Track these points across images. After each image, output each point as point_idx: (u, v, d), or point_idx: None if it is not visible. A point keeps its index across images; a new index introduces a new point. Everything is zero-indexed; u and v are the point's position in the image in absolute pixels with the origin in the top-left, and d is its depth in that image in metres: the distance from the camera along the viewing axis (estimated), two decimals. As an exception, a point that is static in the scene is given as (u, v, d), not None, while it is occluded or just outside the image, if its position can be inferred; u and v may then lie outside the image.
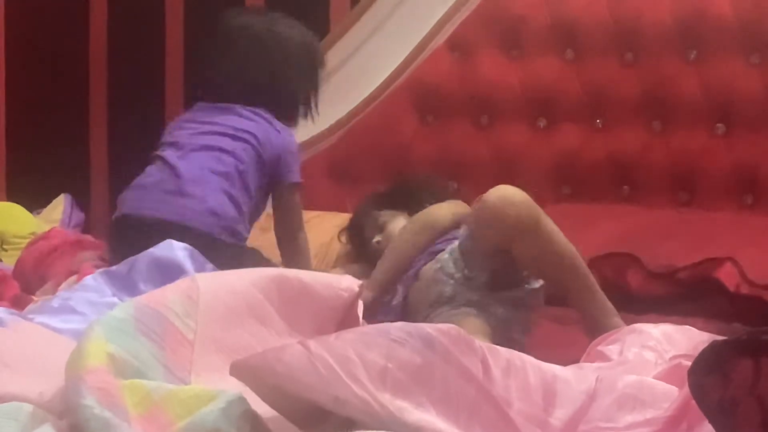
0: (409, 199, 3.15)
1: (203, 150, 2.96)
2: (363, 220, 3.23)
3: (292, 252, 3.07)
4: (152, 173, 2.97)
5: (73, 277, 2.81)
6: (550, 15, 3.65)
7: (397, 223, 3.11)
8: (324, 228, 3.54)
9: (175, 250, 2.58)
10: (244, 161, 2.96)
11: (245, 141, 2.98)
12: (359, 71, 3.94)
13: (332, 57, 3.95)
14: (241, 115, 3.03)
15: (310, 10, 4.10)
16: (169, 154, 2.98)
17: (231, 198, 2.92)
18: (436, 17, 3.83)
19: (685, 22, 3.48)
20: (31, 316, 2.42)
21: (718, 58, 3.45)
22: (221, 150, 2.96)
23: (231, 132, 2.99)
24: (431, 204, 3.01)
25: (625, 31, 3.55)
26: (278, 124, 3.05)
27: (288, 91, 3.11)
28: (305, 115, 3.18)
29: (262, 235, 3.43)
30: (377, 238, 3.12)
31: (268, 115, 3.04)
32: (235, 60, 3.08)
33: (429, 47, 3.82)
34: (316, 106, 3.19)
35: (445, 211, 2.90)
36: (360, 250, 3.25)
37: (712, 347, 1.63)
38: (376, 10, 3.91)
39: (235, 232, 2.90)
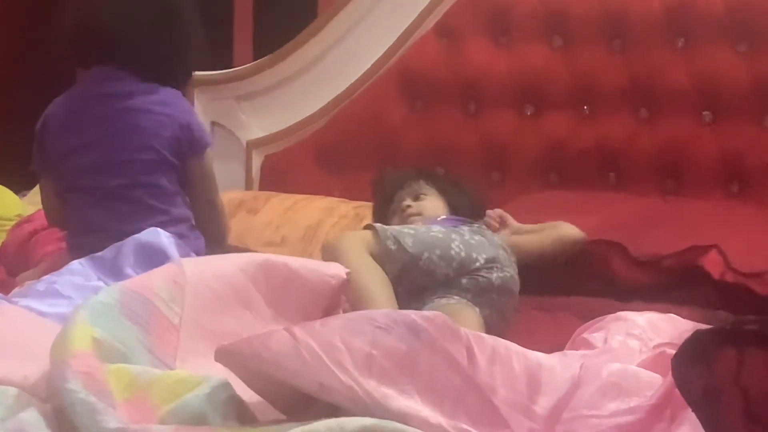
0: (454, 194, 3.15)
1: (117, 198, 2.82)
2: (406, 179, 3.20)
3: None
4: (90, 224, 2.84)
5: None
6: (538, 2, 3.65)
7: (434, 203, 3.11)
8: (310, 211, 3.54)
9: (161, 236, 2.58)
10: (149, 170, 2.82)
11: (144, 149, 2.82)
12: (347, 56, 3.94)
13: (320, 42, 3.95)
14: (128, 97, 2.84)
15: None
16: (85, 203, 2.84)
17: (161, 216, 2.81)
18: (423, 3, 3.82)
19: (673, 10, 3.48)
20: (16, 299, 2.41)
21: (705, 47, 3.45)
22: (125, 187, 2.82)
23: (127, 146, 2.82)
24: (467, 207, 3.08)
25: (613, 19, 3.55)
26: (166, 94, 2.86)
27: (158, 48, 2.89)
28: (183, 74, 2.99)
29: (249, 217, 3.44)
30: (408, 202, 3.12)
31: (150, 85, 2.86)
32: (93, 14, 2.89)
33: (417, 33, 3.82)
34: (191, 61, 2.99)
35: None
36: (381, 203, 3.23)
37: (696, 336, 1.63)
38: (365, -6, 3.91)
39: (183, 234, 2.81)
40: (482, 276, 2.79)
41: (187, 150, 2.84)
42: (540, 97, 3.64)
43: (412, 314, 1.90)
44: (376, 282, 2.63)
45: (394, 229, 2.79)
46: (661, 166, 3.48)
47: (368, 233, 2.75)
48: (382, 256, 2.69)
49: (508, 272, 2.85)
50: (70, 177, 2.85)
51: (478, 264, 2.80)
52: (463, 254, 2.79)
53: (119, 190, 2.78)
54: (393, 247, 2.73)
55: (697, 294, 2.91)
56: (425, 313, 1.92)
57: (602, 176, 3.56)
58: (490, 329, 2.66)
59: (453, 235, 2.83)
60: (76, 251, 2.74)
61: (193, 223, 2.87)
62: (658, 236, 3.06)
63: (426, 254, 2.76)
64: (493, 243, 2.88)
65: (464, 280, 2.78)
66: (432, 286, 2.77)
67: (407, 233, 2.78)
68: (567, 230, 3.04)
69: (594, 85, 3.56)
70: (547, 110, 3.64)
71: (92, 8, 2.87)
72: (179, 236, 2.68)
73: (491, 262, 2.82)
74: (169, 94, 2.85)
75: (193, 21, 2.92)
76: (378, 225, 2.79)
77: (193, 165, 2.86)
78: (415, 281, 2.75)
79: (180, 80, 2.94)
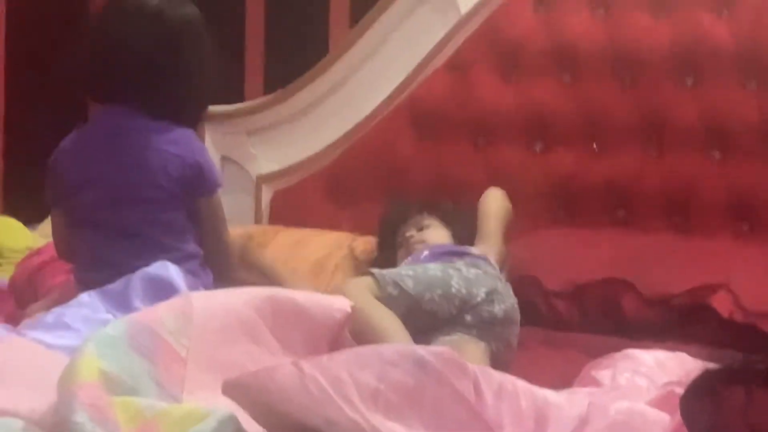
0: (458, 223, 3.17)
1: (127, 234, 2.81)
2: (409, 212, 3.24)
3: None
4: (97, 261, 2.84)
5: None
6: (548, 38, 3.66)
7: (437, 233, 3.14)
8: (319, 245, 3.54)
9: (170, 269, 2.59)
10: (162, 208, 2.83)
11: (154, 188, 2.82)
12: (358, 91, 3.95)
13: (331, 77, 3.96)
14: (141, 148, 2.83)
15: (309, 29, 4.12)
16: (96, 239, 2.84)
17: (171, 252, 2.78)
18: (435, 39, 3.83)
19: (682, 48, 3.48)
20: (24, 331, 2.42)
21: (715, 85, 3.45)
22: (136, 222, 2.82)
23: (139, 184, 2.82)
24: (471, 236, 3.13)
25: (623, 56, 3.55)
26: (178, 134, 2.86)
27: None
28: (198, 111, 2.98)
29: (259, 251, 3.44)
30: (411, 233, 3.13)
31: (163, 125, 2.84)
32: (105, 50, 2.87)
33: (427, 69, 3.83)
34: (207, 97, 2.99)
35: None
36: (385, 237, 3.25)
37: (705, 375, 1.63)
38: (375, 30, 3.92)
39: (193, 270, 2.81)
40: (485, 310, 2.80)
41: (196, 189, 2.83)
42: (549, 132, 3.64)
43: (419, 349, 1.90)
44: (386, 319, 2.63)
45: (392, 273, 2.79)
46: (671, 204, 3.48)
47: (369, 280, 2.76)
48: (385, 302, 2.70)
49: (509, 302, 2.86)
50: (80, 212, 2.86)
51: (479, 299, 2.80)
52: (463, 291, 2.80)
53: (129, 226, 2.78)
54: (395, 292, 2.74)
55: (706, 333, 2.91)
56: (433, 348, 1.92)
57: (611, 213, 3.55)
58: (497, 361, 2.66)
59: (451, 272, 2.84)
60: (84, 286, 2.74)
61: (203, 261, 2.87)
62: (667, 274, 3.06)
63: (428, 295, 2.77)
64: (489, 274, 2.89)
65: (468, 317, 2.78)
66: (436, 326, 2.77)
67: (406, 275, 2.79)
68: (493, 201, 3.15)
69: (603, 122, 3.57)
70: (555, 146, 3.64)
71: (104, 47, 2.86)
72: (190, 273, 2.68)
73: (491, 295, 2.82)
74: (180, 133, 2.84)
75: (206, 60, 2.91)
76: (376, 271, 2.79)
77: (202, 204, 2.86)
78: (419, 322, 2.74)
79: (192, 118, 2.94)
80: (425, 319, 2.75)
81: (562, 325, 2.99)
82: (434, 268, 2.85)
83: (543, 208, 3.58)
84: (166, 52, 2.83)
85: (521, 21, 3.69)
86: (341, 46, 3.98)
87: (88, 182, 2.85)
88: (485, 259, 2.97)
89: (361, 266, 3.37)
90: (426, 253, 2.98)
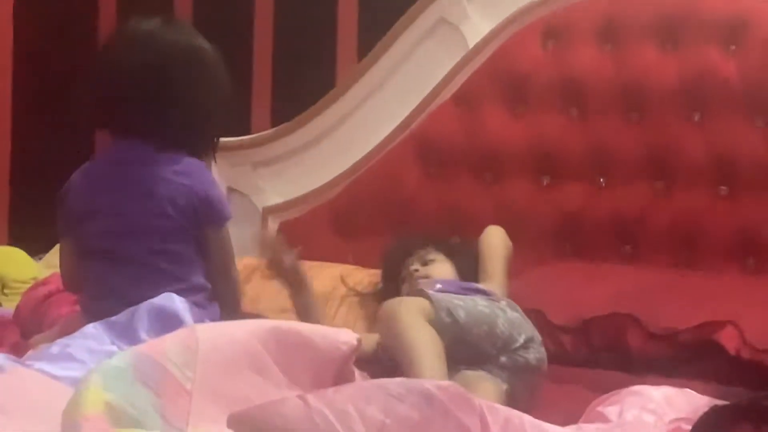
0: (463, 259, 3.17)
1: (134, 264, 2.80)
2: (414, 245, 3.24)
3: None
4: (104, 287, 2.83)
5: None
6: (555, 73, 3.66)
7: (443, 268, 3.14)
8: (324, 278, 3.54)
9: (175, 301, 2.58)
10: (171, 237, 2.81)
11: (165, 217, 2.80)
12: (364, 124, 3.95)
13: (338, 110, 3.97)
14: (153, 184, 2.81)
15: (317, 62, 4.13)
16: (102, 268, 2.83)
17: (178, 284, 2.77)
18: (442, 73, 3.84)
19: (690, 83, 3.49)
20: (29, 362, 2.41)
21: (722, 120, 3.45)
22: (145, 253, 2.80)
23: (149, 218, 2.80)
24: (473, 271, 3.14)
25: (630, 91, 3.56)
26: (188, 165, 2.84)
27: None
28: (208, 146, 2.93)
29: (263, 282, 3.44)
30: (416, 267, 3.13)
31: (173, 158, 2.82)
32: (115, 81, 2.84)
33: (435, 102, 3.84)
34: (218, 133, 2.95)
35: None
36: (389, 269, 3.25)
37: (713, 411, 1.62)
38: (382, 64, 3.93)
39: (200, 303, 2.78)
40: (521, 356, 2.80)
41: (204, 221, 2.81)
42: (556, 167, 3.64)
43: (425, 383, 1.89)
44: (431, 347, 2.62)
45: (446, 299, 2.79)
46: (677, 240, 3.48)
47: (425, 302, 2.75)
48: (434, 326, 2.69)
49: (542, 352, 2.86)
50: (88, 241, 2.86)
51: (518, 344, 2.81)
52: (506, 333, 2.81)
53: (135, 256, 2.78)
54: (447, 320, 2.74)
55: (713, 369, 2.89)
56: (439, 382, 1.91)
57: (617, 248, 3.55)
58: (518, 406, 2.65)
59: (497, 311, 2.84)
60: (90, 315, 2.73)
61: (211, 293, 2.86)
62: (674, 310, 3.05)
63: (475, 330, 2.77)
64: (527, 320, 2.90)
65: (503, 358, 2.79)
66: (472, 360, 2.77)
67: (459, 305, 2.78)
68: (495, 239, 3.17)
69: (610, 157, 3.57)
70: (562, 180, 3.64)
71: (112, 77, 2.85)
72: (196, 305, 2.68)
73: (529, 342, 2.83)
74: (190, 164, 2.83)
75: (217, 91, 2.89)
76: (432, 294, 2.79)
77: (210, 237, 2.84)
78: (459, 354, 2.74)
79: (202, 149, 2.92)
80: (465, 353, 2.75)
81: (569, 360, 2.98)
82: (482, 304, 2.85)
83: (550, 242, 3.58)
84: (174, 83, 2.82)
85: (529, 55, 3.69)
86: (348, 79, 3.99)
87: (96, 212, 2.85)
88: (508, 301, 2.97)
89: (366, 299, 3.37)
90: (438, 286, 2.97)
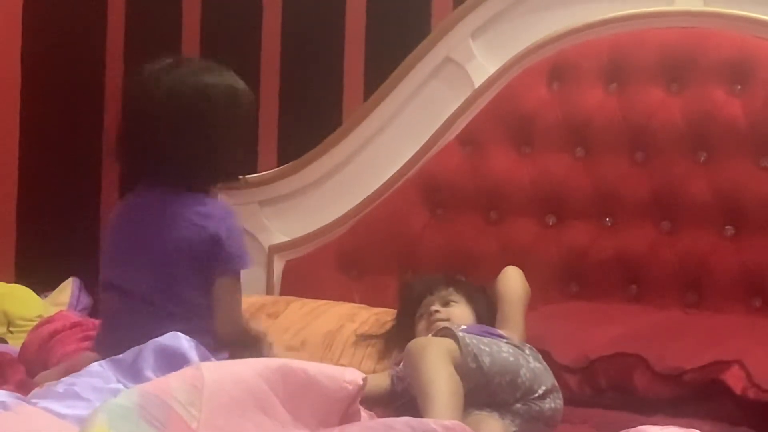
0: (482, 304, 3.16)
1: (144, 304, 2.78)
2: (436, 285, 3.22)
3: None
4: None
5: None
6: (561, 113, 3.67)
7: (462, 310, 3.13)
8: (330, 316, 3.54)
9: (181, 340, 2.58)
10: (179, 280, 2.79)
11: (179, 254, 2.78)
12: (370, 163, 3.96)
13: (344, 149, 3.98)
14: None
15: (323, 101, 4.14)
16: (114, 303, 2.85)
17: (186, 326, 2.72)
18: (447, 112, 3.85)
19: (695, 124, 3.49)
20: (35, 400, 2.41)
21: (728, 161, 3.46)
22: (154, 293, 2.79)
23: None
24: (490, 316, 3.12)
25: (636, 131, 3.57)
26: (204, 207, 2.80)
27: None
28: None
29: (269, 321, 3.44)
30: (436, 307, 3.12)
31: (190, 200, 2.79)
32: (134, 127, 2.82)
33: (440, 142, 3.85)
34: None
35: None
36: (408, 306, 3.24)
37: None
38: (389, 104, 3.94)
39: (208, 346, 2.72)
40: (536, 404, 2.80)
41: (216, 267, 2.78)
42: (562, 206, 3.64)
43: (431, 423, 1.89)
44: (451, 394, 2.61)
45: (473, 343, 2.78)
46: (683, 279, 3.48)
47: (453, 344, 2.74)
48: (459, 370, 2.68)
49: (559, 403, 2.85)
50: (105, 274, 2.88)
51: (536, 395, 2.80)
52: (527, 384, 2.80)
53: (146, 295, 2.77)
54: (472, 365, 2.73)
55: (719, 409, 2.89)
56: (445, 422, 1.91)
57: (623, 288, 3.55)
58: None
59: (521, 360, 2.83)
60: (101, 347, 2.76)
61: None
62: (680, 349, 3.04)
63: (497, 378, 2.77)
64: (548, 370, 2.89)
65: (519, 405, 2.78)
66: (489, 405, 2.76)
67: (485, 351, 2.77)
68: (514, 283, 3.15)
69: (616, 197, 3.57)
70: (568, 220, 3.64)
71: (142, 123, 2.82)
72: (205, 346, 2.66)
73: (548, 393, 2.82)
74: (216, 207, 2.80)
75: (243, 129, 2.86)
76: (461, 336, 2.77)
77: (220, 283, 2.79)
78: (478, 400, 2.73)
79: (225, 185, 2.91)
80: (484, 398, 2.75)
81: (574, 400, 2.98)
82: (507, 351, 2.84)
83: (555, 281, 3.58)
84: (204, 126, 2.78)
85: (534, 95, 3.70)
86: (355, 119, 4.00)
87: (115, 246, 2.87)
88: (531, 348, 2.96)
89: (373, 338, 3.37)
90: (463, 327, 2.96)
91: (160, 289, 2.77)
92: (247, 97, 2.87)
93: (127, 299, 2.79)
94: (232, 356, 2.73)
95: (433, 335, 2.87)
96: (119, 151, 2.88)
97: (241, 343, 2.85)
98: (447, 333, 2.81)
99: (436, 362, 2.63)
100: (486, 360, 2.75)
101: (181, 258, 2.77)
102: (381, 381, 3.01)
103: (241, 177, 2.93)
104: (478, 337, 2.85)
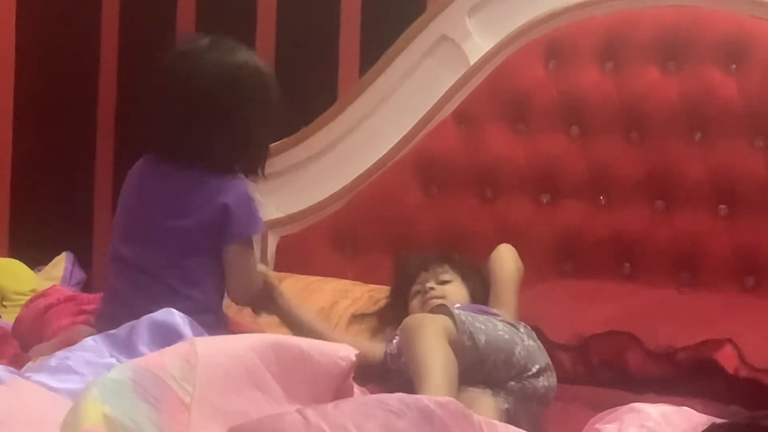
0: (477, 283, 3.16)
1: (146, 276, 2.78)
2: (432, 262, 3.22)
3: None
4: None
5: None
6: (556, 91, 3.67)
7: (458, 289, 3.13)
8: (324, 293, 3.54)
9: (175, 316, 2.58)
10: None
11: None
12: (365, 140, 3.96)
13: (339, 125, 3.98)
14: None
15: (318, 78, 4.13)
16: (117, 273, 2.84)
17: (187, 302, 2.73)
18: (443, 90, 3.85)
19: (691, 104, 3.49)
20: (28, 374, 2.41)
21: (723, 141, 3.46)
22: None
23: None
24: (484, 296, 3.11)
25: (631, 110, 3.57)
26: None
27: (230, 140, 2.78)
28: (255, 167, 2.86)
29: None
30: (432, 285, 3.12)
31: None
32: (156, 106, 2.80)
33: (435, 119, 3.84)
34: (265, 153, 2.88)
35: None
36: (402, 281, 3.24)
37: (711, 430, 1.62)
38: (384, 81, 3.94)
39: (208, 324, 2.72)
40: (530, 383, 2.80)
41: (227, 234, 2.75)
42: (556, 185, 3.64)
43: (424, 399, 1.89)
44: (445, 371, 2.61)
45: (469, 321, 2.78)
46: (676, 258, 3.48)
47: (449, 322, 2.74)
48: (454, 348, 2.68)
49: (553, 381, 2.85)
50: (112, 244, 2.86)
51: (530, 373, 2.81)
52: (521, 363, 2.80)
53: (149, 268, 2.76)
54: (468, 343, 2.73)
55: (711, 388, 2.90)
56: (438, 398, 1.91)
57: (617, 266, 3.55)
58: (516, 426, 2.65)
59: (516, 339, 2.84)
60: (101, 319, 2.76)
61: (219, 310, 2.84)
62: (672, 328, 3.05)
63: (492, 356, 2.77)
64: (542, 349, 2.89)
65: (513, 383, 2.78)
66: (485, 383, 2.76)
67: (480, 329, 2.78)
68: (508, 262, 3.13)
69: (610, 176, 3.57)
70: (563, 199, 3.64)
71: (165, 102, 2.79)
72: (203, 326, 2.65)
73: (541, 371, 2.83)
74: (226, 178, 2.78)
75: (268, 109, 2.83)
76: (456, 314, 2.77)
77: (232, 249, 2.77)
78: (470, 377, 2.73)
79: (252, 170, 2.86)
80: (478, 376, 2.75)
81: (567, 378, 2.99)
82: (502, 329, 2.84)
83: (549, 260, 3.59)
84: (228, 106, 2.75)
85: (530, 73, 3.70)
86: (350, 96, 3.99)
87: (122, 215, 2.86)
88: (525, 326, 2.96)
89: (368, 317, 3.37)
90: (458, 306, 2.96)
91: (167, 264, 2.76)
92: (274, 80, 2.86)
93: (130, 272, 2.79)
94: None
95: (428, 312, 2.88)
96: (143, 127, 2.85)
97: (256, 304, 2.90)
98: (443, 310, 2.81)
99: (432, 339, 2.63)
100: (481, 338, 2.75)
101: (190, 231, 2.76)
102: (376, 350, 3.02)
103: (262, 171, 2.89)
104: (474, 314, 2.85)
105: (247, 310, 3.03)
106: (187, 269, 2.76)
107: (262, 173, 2.87)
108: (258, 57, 2.88)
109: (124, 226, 2.85)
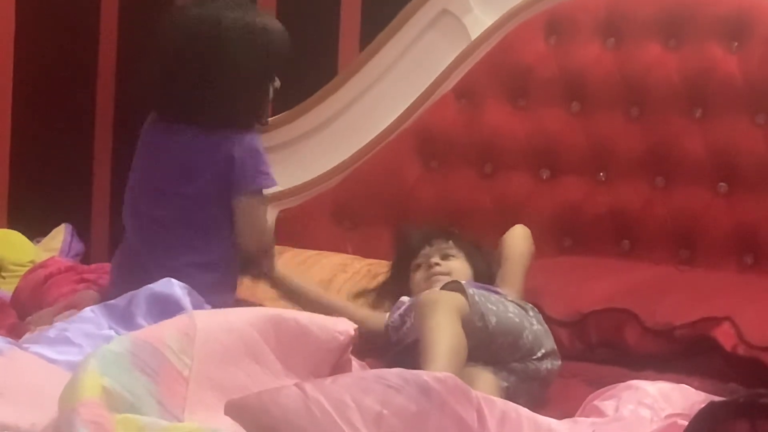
0: (480, 263, 3.15)
1: (158, 228, 2.84)
2: (435, 237, 3.20)
3: None
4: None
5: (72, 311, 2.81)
6: (557, 67, 3.66)
7: (462, 268, 3.11)
8: (323, 267, 3.54)
9: (174, 287, 2.58)
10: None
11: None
12: (365, 114, 3.95)
13: (339, 99, 3.97)
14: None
15: (319, 51, 4.12)
16: (133, 227, 2.90)
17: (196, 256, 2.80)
18: (444, 64, 3.84)
19: (691, 80, 3.49)
20: (26, 345, 2.42)
21: (723, 117, 3.45)
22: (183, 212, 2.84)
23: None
24: (488, 275, 3.09)
25: (632, 87, 3.56)
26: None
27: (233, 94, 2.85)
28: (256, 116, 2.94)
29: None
30: (436, 259, 3.11)
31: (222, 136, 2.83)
32: (166, 68, 2.87)
33: (436, 94, 3.83)
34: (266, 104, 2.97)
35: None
36: (404, 254, 3.23)
37: (709, 408, 1.62)
38: (385, 54, 3.93)
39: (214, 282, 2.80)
40: (533, 364, 2.80)
41: (237, 186, 2.81)
42: (556, 161, 3.64)
43: (423, 375, 1.90)
44: (455, 350, 2.61)
45: (482, 301, 2.77)
46: (676, 235, 3.48)
47: (463, 301, 2.73)
48: (465, 327, 2.68)
49: (556, 364, 2.85)
50: (126, 198, 2.92)
51: (535, 356, 2.80)
52: (528, 346, 2.80)
53: (159, 220, 2.81)
54: (479, 324, 2.73)
55: (709, 365, 2.90)
56: (437, 373, 1.91)
57: (616, 243, 3.55)
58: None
59: (525, 323, 2.83)
60: (117, 269, 2.84)
61: (229, 267, 2.86)
62: (671, 305, 3.05)
63: (501, 339, 2.77)
64: (549, 332, 2.89)
65: (515, 363, 2.78)
66: (490, 362, 2.76)
67: (492, 310, 2.77)
68: (520, 243, 3.12)
69: (610, 152, 3.57)
70: (562, 174, 3.64)
71: (170, 60, 2.86)
72: (209, 286, 2.67)
73: (546, 355, 2.83)
74: (234, 132, 2.83)
75: (269, 65, 2.89)
76: (470, 293, 2.77)
77: (242, 200, 2.83)
78: (480, 357, 2.73)
79: (247, 124, 2.91)
80: (485, 357, 2.75)
81: (565, 354, 2.98)
82: (513, 312, 2.83)
83: (548, 236, 3.58)
84: (232, 62, 2.82)
85: (531, 48, 3.69)
86: (350, 69, 3.98)
87: (135, 169, 2.91)
88: (533, 309, 2.96)
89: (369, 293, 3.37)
90: (464, 283, 2.95)
91: (177, 217, 2.79)
92: (281, 35, 2.90)
93: (141, 224, 2.84)
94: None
95: (441, 288, 2.86)
96: (148, 88, 2.92)
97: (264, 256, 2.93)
98: (457, 287, 2.80)
99: (445, 317, 2.63)
100: (492, 320, 2.74)
101: (200, 182, 2.79)
102: (377, 319, 3.02)
103: (264, 120, 2.98)
104: (486, 294, 2.85)
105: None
106: (200, 222, 2.81)
107: (265, 122, 2.97)
108: (259, 13, 2.93)
109: (139, 183, 2.90)
